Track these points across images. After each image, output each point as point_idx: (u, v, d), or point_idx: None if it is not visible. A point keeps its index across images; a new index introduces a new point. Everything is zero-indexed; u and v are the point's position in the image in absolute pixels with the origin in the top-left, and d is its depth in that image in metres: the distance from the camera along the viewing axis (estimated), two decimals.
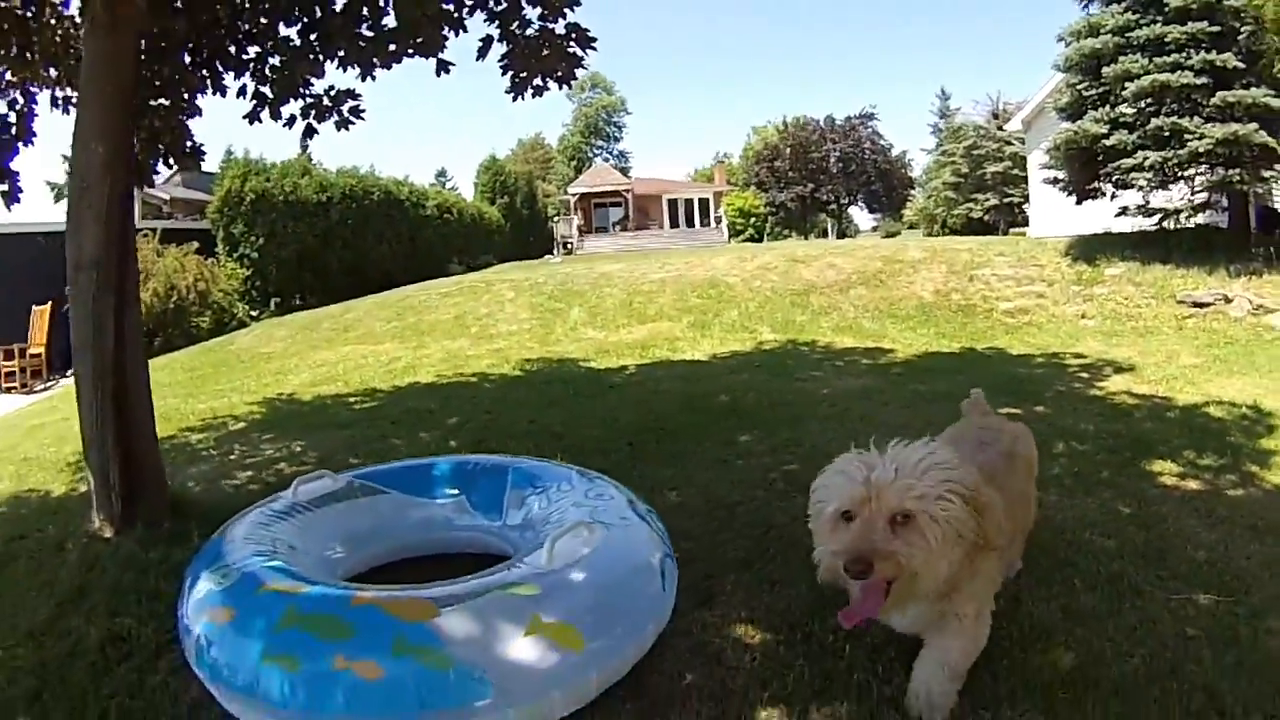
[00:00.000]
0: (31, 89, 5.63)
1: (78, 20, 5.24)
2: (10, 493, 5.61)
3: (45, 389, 14.19)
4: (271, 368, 10.73)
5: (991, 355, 8.91)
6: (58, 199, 41.47)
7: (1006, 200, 36.38)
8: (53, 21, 5.38)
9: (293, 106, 5.90)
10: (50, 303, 15.26)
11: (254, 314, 18.04)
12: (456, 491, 3.68)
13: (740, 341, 10.29)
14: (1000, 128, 34.06)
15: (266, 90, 5.85)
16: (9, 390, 14.38)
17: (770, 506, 4.20)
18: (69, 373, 14.99)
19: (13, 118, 5.54)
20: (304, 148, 6.21)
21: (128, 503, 4.36)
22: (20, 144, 5.64)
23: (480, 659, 2.23)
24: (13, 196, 5.64)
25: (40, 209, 40.37)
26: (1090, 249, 13.15)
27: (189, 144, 5.70)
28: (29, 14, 5.23)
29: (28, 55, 5.36)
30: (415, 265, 22.19)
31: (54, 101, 5.72)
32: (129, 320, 4.58)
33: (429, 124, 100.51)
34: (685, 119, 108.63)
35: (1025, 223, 25.91)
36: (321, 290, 19.23)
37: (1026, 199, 24.55)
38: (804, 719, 2.45)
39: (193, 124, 5.69)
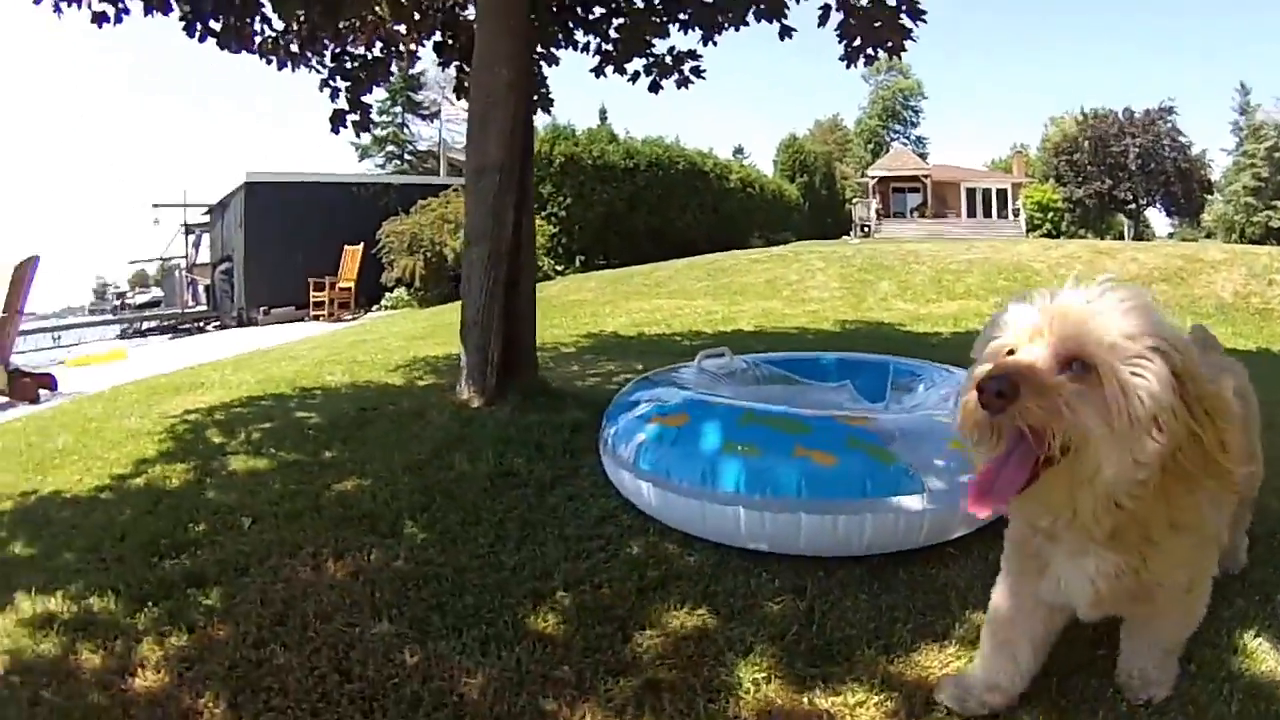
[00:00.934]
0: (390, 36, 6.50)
1: None
2: (346, 383, 6.54)
3: (353, 318, 16.08)
4: (586, 311, 11.55)
5: None
6: (361, 158, 46.53)
7: None
8: None
9: (636, 64, 6.51)
10: (361, 244, 17.32)
11: (559, 269, 19.12)
12: (844, 381, 4.19)
13: None
14: None
15: (610, 49, 6.45)
16: (316, 318, 16.50)
17: None
18: (374, 307, 17.04)
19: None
20: (602, 119, 6.87)
21: (502, 379, 5.05)
22: (375, 84, 6.59)
23: (915, 459, 2.70)
24: (363, 125, 6.58)
25: (348, 164, 45.49)
26: None
27: (544, 90, 6.42)
28: None
29: (404, 4, 6.17)
30: (718, 235, 22.53)
31: (397, 52, 6.63)
32: (526, 218, 5.31)
33: (726, 100, 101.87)
34: (982, 106, 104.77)
35: None
36: (626, 252, 20.04)
37: None
38: None
39: None
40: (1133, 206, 42.45)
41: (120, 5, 5.39)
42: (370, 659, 2.29)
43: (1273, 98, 51.37)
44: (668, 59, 6.46)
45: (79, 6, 5.38)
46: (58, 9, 5.32)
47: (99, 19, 5.42)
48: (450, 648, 2.34)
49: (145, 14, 5.41)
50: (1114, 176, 41.48)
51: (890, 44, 5.86)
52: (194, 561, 3.01)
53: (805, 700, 2.07)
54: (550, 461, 3.94)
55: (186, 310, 21.94)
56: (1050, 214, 40.99)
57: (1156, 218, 48.36)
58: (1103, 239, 36.99)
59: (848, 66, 6.09)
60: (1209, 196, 45.26)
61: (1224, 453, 1.52)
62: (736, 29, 6.22)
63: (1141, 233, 43.09)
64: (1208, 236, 46.03)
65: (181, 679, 2.26)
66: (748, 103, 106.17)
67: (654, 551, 2.95)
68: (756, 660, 2.22)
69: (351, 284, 17.28)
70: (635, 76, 6.55)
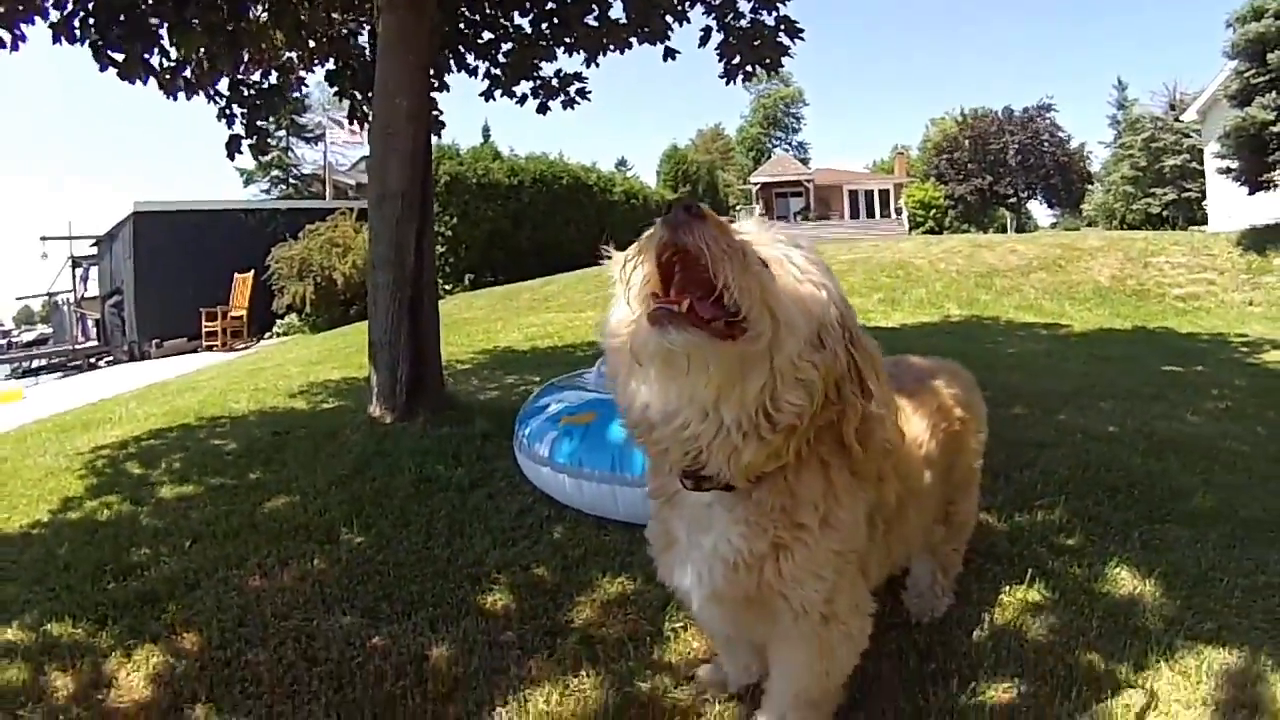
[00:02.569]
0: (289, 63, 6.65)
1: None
2: (253, 409, 6.69)
3: (245, 348, 15.94)
4: (479, 328, 11.77)
5: (1161, 333, 9.38)
6: (246, 183, 45.54)
7: (1185, 195, 34.68)
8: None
9: (524, 87, 6.86)
10: (252, 271, 17.20)
11: (447, 287, 19.19)
12: None
13: (929, 315, 10.93)
14: (1177, 119, 32.49)
15: (499, 73, 6.78)
16: (209, 348, 16.34)
17: None
18: (266, 335, 16.93)
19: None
20: (485, 136, 7.17)
21: (411, 395, 5.29)
22: (273, 111, 6.70)
23: None
24: (260, 149, 6.69)
25: (233, 191, 44.49)
26: (1261, 239, 13.28)
27: (435, 113, 6.55)
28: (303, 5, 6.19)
29: (300, 34, 6.36)
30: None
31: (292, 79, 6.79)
32: (426, 243, 5.53)
33: (609, 113, 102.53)
34: (862, 111, 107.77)
35: (1204, 220, 25.14)
36: (512, 268, 20.28)
37: (1204, 194, 23.86)
38: (1011, 522, 3.26)
39: None
40: (1014, 200, 44.41)
41: (18, 33, 5.41)
42: (333, 645, 2.56)
43: (1148, 92, 55.81)
44: (554, 82, 6.80)
45: None
46: None
47: None
48: (403, 629, 2.63)
49: (54, 42, 5.47)
50: (995, 173, 43.26)
51: (769, 61, 6.36)
52: (143, 582, 3.18)
53: None
54: (467, 468, 4.24)
55: (77, 347, 21.23)
56: (933, 211, 42.58)
57: (1038, 209, 51.06)
58: (985, 233, 38.66)
59: (727, 83, 6.54)
60: (1089, 187, 47.54)
61: (878, 423, 1.52)
62: (621, 52, 6.57)
63: (1024, 224, 45.28)
64: (1089, 225, 48.37)
65: (157, 685, 2.47)
66: (630, 114, 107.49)
67: (573, 534, 3.31)
68: (673, 614, 2.58)
69: (244, 312, 17.15)
70: (523, 99, 6.89)
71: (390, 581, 3.00)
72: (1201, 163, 23.29)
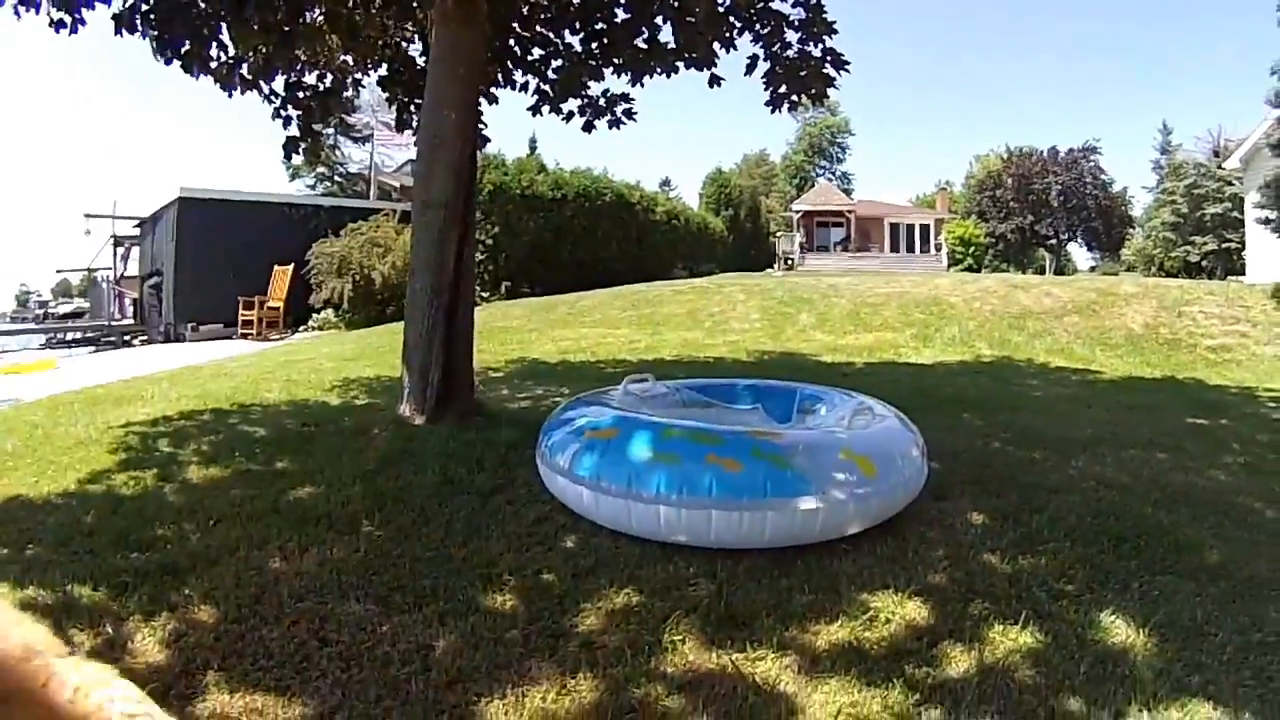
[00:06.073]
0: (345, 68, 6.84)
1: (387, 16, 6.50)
2: (284, 400, 6.85)
3: (280, 339, 16.17)
4: (514, 339, 11.91)
5: (1190, 383, 9.28)
6: (292, 178, 46.23)
7: (1225, 245, 34.44)
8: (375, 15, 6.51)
9: (571, 104, 6.95)
10: (292, 264, 17.49)
11: (484, 295, 19.25)
12: (755, 404, 4.74)
13: (960, 354, 10.92)
14: (1220, 165, 31.99)
15: (548, 89, 6.91)
16: (244, 336, 16.58)
17: (989, 452, 5.03)
18: (302, 328, 17.16)
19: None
20: (532, 148, 7.29)
21: (441, 399, 5.41)
22: (328, 114, 6.91)
23: (812, 467, 3.24)
24: (315, 153, 6.96)
25: (279, 184, 45.22)
26: None
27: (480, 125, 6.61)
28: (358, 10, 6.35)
29: (354, 38, 6.45)
30: (642, 266, 23.04)
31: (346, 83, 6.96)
32: (467, 252, 5.66)
33: (654, 134, 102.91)
34: (908, 144, 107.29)
35: (1243, 270, 24.84)
36: (550, 281, 20.28)
37: (1244, 244, 23.56)
38: (1014, 564, 3.31)
39: None
40: (1054, 241, 44.25)
41: (77, 16, 5.61)
42: (344, 629, 2.68)
43: (1193, 138, 54.97)
44: (601, 101, 6.89)
45: (36, 12, 5.54)
46: (16, 12, 5.45)
47: (56, 25, 5.59)
48: (413, 620, 2.75)
49: (115, 33, 5.66)
50: (1036, 212, 43.26)
51: (814, 91, 6.37)
52: (165, 554, 3.32)
53: (715, 656, 2.55)
54: (489, 473, 4.35)
55: (113, 323, 21.63)
56: (972, 248, 42.52)
57: (1078, 252, 50.79)
58: (1024, 273, 38.47)
59: (773, 112, 6.57)
60: (1130, 231, 47.30)
61: None
62: (668, 75, 6.66)
63: (1063, 266, 45.01)
64: (1128, 270, 47.91)
65: (172, 651, 2.60)
66: (676, 135, 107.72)
67: (586, 545, 3.41)
68: (674, 627, 2.69)
69: (281, 304, 17.39)
70: (570, 116, 6.97)
71: (405, 574, 3.11)
72: (1243, 211, 22.95)
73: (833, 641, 2.63)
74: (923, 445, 3.83)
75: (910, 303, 14.24)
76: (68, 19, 5.60)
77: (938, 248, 43.27)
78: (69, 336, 19.98)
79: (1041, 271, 41.47)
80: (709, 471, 3.18)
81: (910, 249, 44.74)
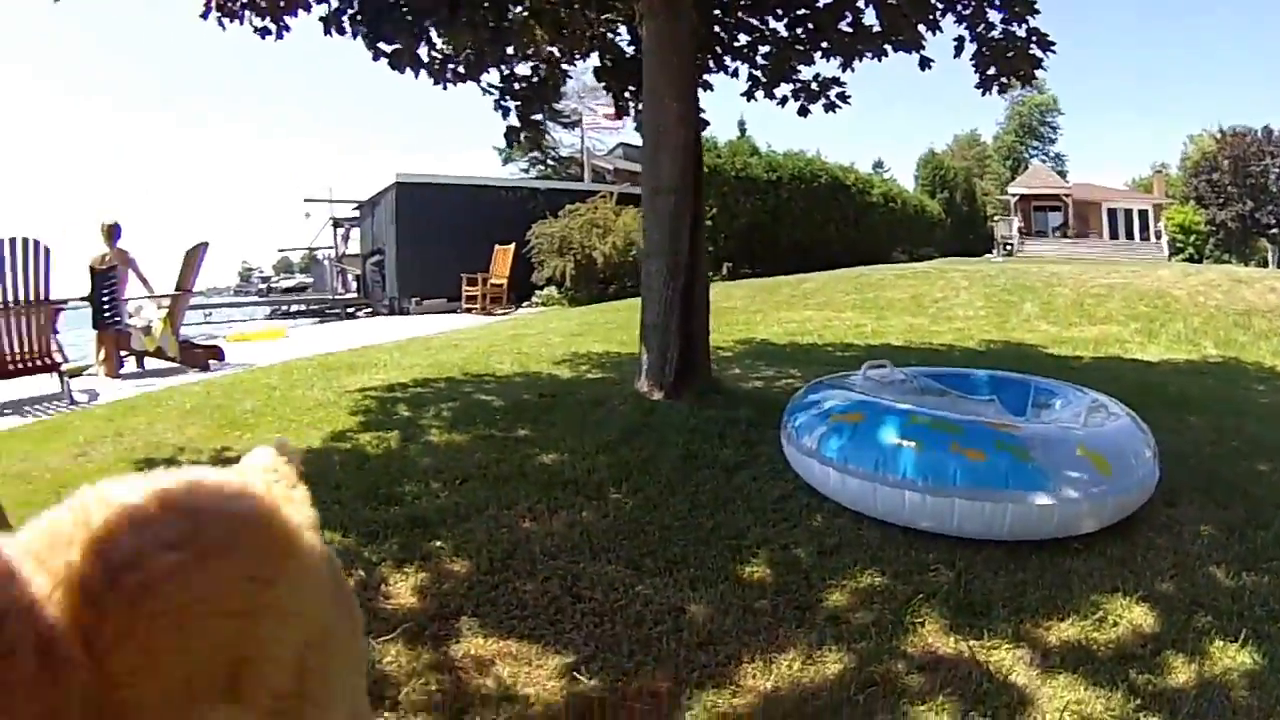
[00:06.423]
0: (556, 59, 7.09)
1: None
2: (516, 371, 7.14)
3: (504, 314, 16.79)
4: (739, 319, 11.91)
5: None
6: (505, 162, 47.95)
7: None
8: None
9: (784, 89, 7.01)
10: (512, 244, 18.11)
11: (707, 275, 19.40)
12: (991, 396, 4.69)
13: (1186, 352, 10.23)
14: None
15: (758, 74, 6.98)
16: (468, 310, 17.34)
17: (1216, 458, 4.71)
18: (525, 303, 17.82)
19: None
20: (741, 131, 7.26)
21: (679, 376, 5.59)
22: (544, 103, 7.24)
23: (1049, 463, 3.20)
24: (535, 142, 7.29)
25: (491, 168, 47.08)
26: None
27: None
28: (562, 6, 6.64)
29: (561, 31, 6.77)
30: (860, 249, 22.70)
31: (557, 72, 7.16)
32: (698, 235, 5.80)
33: (861, 113, 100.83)
34: (1118, 123, 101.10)
35: None
36: (769, 262, 20.25)
37: None
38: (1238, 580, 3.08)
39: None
40: (1275, 231, 40.32)
41: (282, 24, 6.09)
42: (597, 586, 2.87)
43: None
44: (814, 85, 6.94)
45: (240, 23, 6.04)
46: (221, 24, 5.98)
47: (261, 33, 6.12)
48: (664, 583, 2.91)
49: (325, 34, 6.13)
50: (1255, 198, 39.43)
51: (1022, 73, 6.32)
52: (414, 509, 3.61)
53: (953, 641, 2.58)
54: (732, 449, 4.49)
55: (337, 296, 23.17)
56: (1193, 237, 39.25)
57: None
58: (1246, 265, 35.15)
59: (983, 94, 6.54)
60: None
61: None
62: (878, 59, 6.69)
63: None
64: None
65: (424, 597, 2.84)
66: (886, 115, 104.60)
67: (831, 524, 3.49)
68: (916, 610, 2.73)
69: (504, 280, 18.07)
70: (784, 101, 7.06)
71: (654, 541, 3.28)
72: None
73: (1063, 639, 2.61)
74: (1155, 447, 3.69)
75: (1134, 295, 13.38)
76: (272, 26, 6.09)
77: (1158, 235, 40.43)
78: (293, 309, 21.44)
79: (1264, 264, 37.53)
80: (954, 460, 3.20)
81: (1129, 235, 42.12)
